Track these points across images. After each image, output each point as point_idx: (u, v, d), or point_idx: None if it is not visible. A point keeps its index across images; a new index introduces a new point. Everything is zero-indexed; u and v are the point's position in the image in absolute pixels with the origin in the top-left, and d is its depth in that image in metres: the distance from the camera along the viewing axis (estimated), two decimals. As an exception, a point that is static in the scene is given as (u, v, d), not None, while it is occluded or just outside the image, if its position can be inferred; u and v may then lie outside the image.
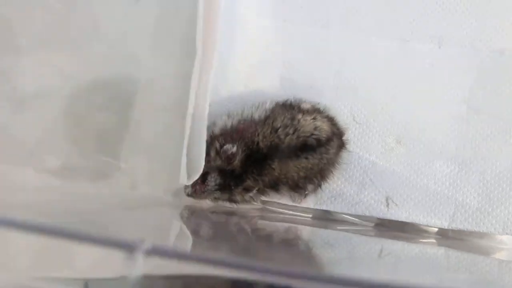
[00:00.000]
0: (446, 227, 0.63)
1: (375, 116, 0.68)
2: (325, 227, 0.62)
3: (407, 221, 0.64)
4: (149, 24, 0.62)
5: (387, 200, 0.65)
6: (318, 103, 0.63)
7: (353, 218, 0.65)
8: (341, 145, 0.61)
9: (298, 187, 0.58)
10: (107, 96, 0.58)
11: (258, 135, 0.56)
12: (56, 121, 0.56)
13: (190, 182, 0.56)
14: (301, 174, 0.57)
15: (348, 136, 0.65)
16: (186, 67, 0.64)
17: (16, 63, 0.58)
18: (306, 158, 0.56)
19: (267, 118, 0.57)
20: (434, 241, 0.64)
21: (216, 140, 0.57)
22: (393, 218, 0.64)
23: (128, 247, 0.26)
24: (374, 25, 0.70)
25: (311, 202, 0.64)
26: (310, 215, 0.65)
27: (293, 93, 0.67)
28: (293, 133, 0.55)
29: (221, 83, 0.66)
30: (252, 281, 0.26)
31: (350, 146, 0.66)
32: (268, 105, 0.60)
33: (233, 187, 0.56)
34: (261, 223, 0.62)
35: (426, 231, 0.64)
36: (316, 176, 0.59)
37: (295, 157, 0.56)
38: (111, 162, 0.55)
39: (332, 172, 0.61)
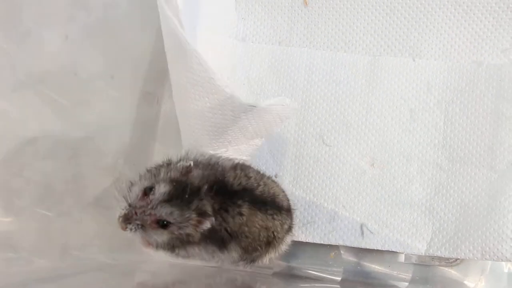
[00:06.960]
0: (423, 254, 0.60)
1: (346, 137, 0.64)
2: (287, 285, 0.58)
3: (383, 249, 0.61)
4: (100, 65, 0.57)
5: (361, 227, 0.62)
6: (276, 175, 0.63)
7: (318, 273, 0.62)
8: (290, 228, 0.53)
9: (254, 249, 0.49)
10: (53, 143, 0.54)
11: (228, 175, 0.47)
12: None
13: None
14: (262, 235, 0.48)
15: (318, 159, 0.62)
16: (141, 114, 0.60)
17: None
18: (273, 217, 0.48)
19: (236, 166, 0.50)
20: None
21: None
22: (368, 247, 0.61)
23: None
24: (340, 40, 0.66)
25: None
26: (271, 271, 0.60)
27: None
28: (265, 185, 0.49)
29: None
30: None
31: (320, 170, 0.63)
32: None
33: (186, 201, 0.44)
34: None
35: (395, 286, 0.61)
36: (261, 245, 0.49)
37: (263, 211, 0.48)
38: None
39: (277, 251, 0.52)
